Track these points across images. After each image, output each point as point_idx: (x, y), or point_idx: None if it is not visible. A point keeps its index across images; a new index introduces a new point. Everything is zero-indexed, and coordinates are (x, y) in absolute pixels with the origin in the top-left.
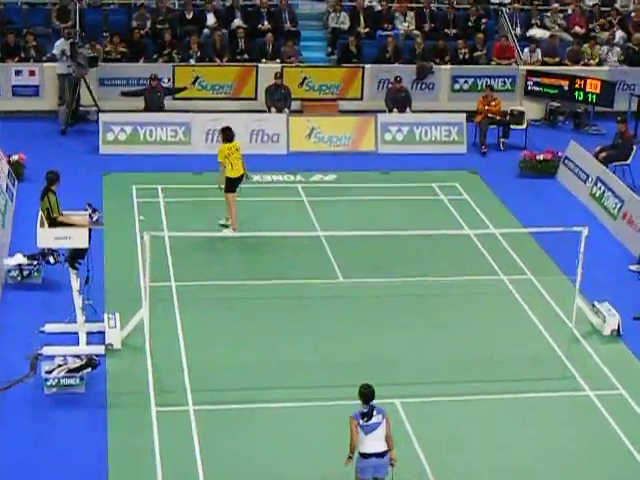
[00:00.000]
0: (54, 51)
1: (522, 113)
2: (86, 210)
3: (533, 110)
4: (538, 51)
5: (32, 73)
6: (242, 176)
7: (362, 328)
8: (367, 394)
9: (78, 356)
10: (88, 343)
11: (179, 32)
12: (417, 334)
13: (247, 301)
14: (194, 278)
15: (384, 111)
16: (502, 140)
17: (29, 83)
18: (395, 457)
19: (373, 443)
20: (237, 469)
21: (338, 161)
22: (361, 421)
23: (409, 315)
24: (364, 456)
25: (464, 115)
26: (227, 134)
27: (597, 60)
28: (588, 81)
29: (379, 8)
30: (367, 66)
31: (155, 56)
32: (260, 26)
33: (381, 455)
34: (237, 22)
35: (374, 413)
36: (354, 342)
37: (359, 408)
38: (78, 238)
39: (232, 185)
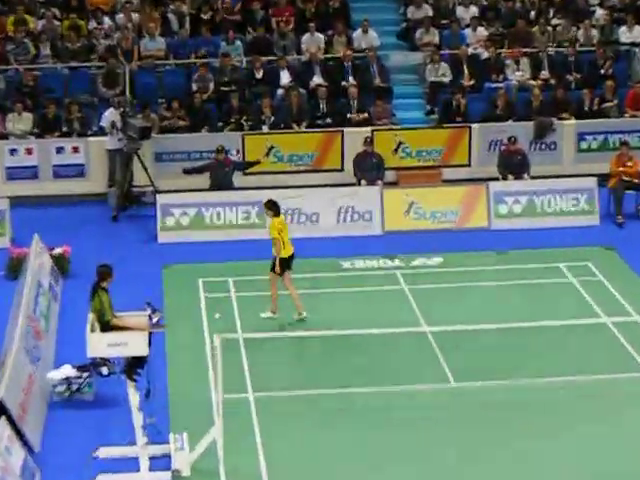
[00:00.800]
0: (102, 123)
1: None
2: (145, 310)
3: None
4: None
5: (76, 150)
6: (293, 255)
7: (480, 441)
8: None
9: None
10: (151, 469)
11: (248, 94)
12: (551, 446)
13: (339, 413)
14: (275, 387)
15: (497, 179)
16: None
17: (73, 162)
18: None
19: None
20: None
21: (443, 241)
22: None
23: (537, 424)
24: None
25: (594, 179)
26: (277, 207)
27: None
28: None
29: (486, 55)
30: (474, 126)
31: (221, 124)
32: (344, 83)
33: None
34: (316, 80)
35: None
36: (473, 458)
37: None
38: (136, 344)
39: (285, 265)
